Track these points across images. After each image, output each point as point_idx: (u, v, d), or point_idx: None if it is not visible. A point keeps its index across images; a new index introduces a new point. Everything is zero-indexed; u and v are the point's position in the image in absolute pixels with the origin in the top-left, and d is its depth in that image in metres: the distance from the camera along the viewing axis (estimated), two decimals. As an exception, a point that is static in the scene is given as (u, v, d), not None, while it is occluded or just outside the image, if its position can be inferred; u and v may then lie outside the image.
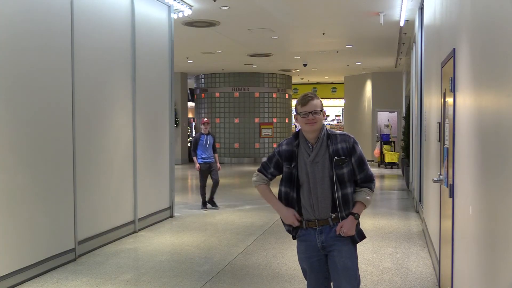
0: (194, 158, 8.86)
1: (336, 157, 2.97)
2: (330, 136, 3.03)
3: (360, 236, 3.06)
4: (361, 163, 3.04)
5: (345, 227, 2.96)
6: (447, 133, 4.04)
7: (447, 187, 3.92)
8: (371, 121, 18.69)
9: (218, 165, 9.06)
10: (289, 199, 3.11)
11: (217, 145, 19.38)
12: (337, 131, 3.11)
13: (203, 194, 9.08)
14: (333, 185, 2.97)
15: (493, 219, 2.30)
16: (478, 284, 2.65)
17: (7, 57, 4.75)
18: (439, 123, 4.70)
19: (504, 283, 2.04)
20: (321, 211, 3.01)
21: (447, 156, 3.99)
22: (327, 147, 3.00)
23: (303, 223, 3.08)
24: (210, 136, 8.97)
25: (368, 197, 3.05)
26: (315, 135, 3.03)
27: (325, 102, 26.23)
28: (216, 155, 9.00)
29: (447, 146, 4.00)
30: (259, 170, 3.29)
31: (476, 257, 2.72)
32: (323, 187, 2.99)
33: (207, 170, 8.96)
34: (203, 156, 8.87)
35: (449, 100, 3.86)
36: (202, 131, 8.95)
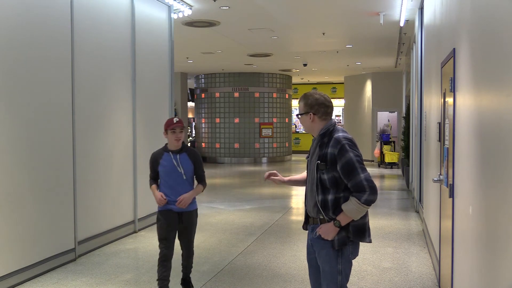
0: (153, 188, 4.38)
1: (319, 161, 2.93)
2: (328, 138, 2.97)
3: (341, 243, 2.92)
4: (348, 171, 2.83)
5: (321, 230, 2.94)
6: (447, 133, 4.04)
7: (447, 187, 3.93)
8: (371, 121, 18.69)
9: (186, 195, 4.26)
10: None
11: (217, 145, 19.56)
12: (336, 134, 2.95)
13: (161, 273, 4.29)
14: (317, 188, 2.96)
15: (493, 219, 2.30)
16: (478, 284, 2.65)
17: (7, 57, 4.75)
18: (439, 123, 4.70)
19: (504, 283, 2.04)
20: (310, 210, 3.06)
21: (447, 156, 4.00)
22: (320, 148, 2.98)
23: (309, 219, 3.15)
24: (185, 155, 4.34)
25: (351, 207, 2.83)
26: (315, 135, 3.06)
27: (325, 102, 26.23)
28: (200, 188, 4.42)
29: (447, 146, 4.00)
30: None
31: (476, 257, 2.72)
32: (311, 188, 3.02)
33: (171, 225, 4.32)
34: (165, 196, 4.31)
35: (449, 100, 3.86)
36: (168, 146, 4.36)
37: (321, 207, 2.95)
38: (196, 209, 4.50)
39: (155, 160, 4.38)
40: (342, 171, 2.85)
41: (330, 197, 2.92)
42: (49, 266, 5.28)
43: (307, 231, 3.16)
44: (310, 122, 3.05)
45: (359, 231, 2.97)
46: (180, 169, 4.27)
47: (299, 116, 3.10)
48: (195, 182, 4.47)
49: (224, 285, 4.87)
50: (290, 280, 4.97)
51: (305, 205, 3.15)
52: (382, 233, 6.94)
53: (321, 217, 2.98)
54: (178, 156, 4.30)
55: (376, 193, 2.84)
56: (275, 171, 3.35)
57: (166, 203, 4.30)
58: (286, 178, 3.37)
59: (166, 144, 4.37)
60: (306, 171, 3.29)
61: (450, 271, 3.81)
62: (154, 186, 4.39)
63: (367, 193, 2.81)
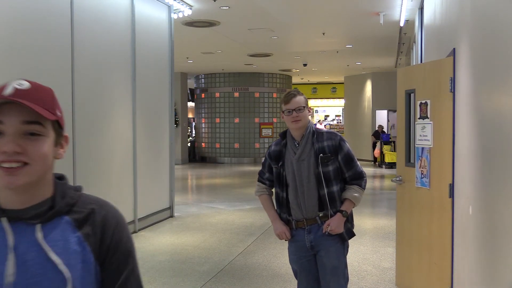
0: None
1: (321, 154, 2.92)
2: (316, 134, 2.98)
3: (349, 234, 3.00)
4: (349, 160, 2.96)
5: (332, 225, 2.91)
6: (426, 132, 4.13)
7: (428, 187, 4.09)
8: (371, 121, 18.69)
9: None
10: (279, 200, 3.07)
11: (217, 145, 19.60)
12: (324, 129, 3.08)
13: None
14: (319, 183, 2.92)
15: (493, 219, 2.30)
16: (478, 284, 2.65)
17: (7, 57, 4.75)
18: (410, 123, 4.84)
19: (504, 283, 2.04)
20: (308, 210, 2.97)
21: (422, 155, 4.14)
22: (313, 145, 2.96)
23: (292, 223, 3.03)
24: (65, 228, 1.08)
25: (356, 194, 2.96)
26: (301, 133, 2.98)
27: (325, 102, 26.30)
28: None
29: (424, 145, 4.12)
30: (258, 179, 3.25)
31: (476, 257, 2.72)
32: (309, 186, 2.95)
33: None
34: None
35: (426, 100, 3.88)
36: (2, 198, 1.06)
37: (328, 201, 2.93)
38: None
39: None
40: (344, 161, 2.96)
41: (335, 188, 2.95)
42: (49, 266, 5.27)
43: (296, 235, 3.03)
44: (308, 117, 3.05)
45: (352, 218, 3.11)
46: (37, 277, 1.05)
47: (303, 108, 2.95)
48: None
49: (224, 285, 4.87)
50: (290, 280, 4.97)
51: (297, 209, 2.98)
52: (382, 233, 6.93)
53: (320, 214, 2.95)
54: (39, 235, 1.08)
55: None
56: (286, 229, 3.07)
57: None
58: (281, 222, 3.08)
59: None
60: (264, 185, 3.17)
61: (450, 271, 3.81)
62: None
63: (365, 179, 3.03)
